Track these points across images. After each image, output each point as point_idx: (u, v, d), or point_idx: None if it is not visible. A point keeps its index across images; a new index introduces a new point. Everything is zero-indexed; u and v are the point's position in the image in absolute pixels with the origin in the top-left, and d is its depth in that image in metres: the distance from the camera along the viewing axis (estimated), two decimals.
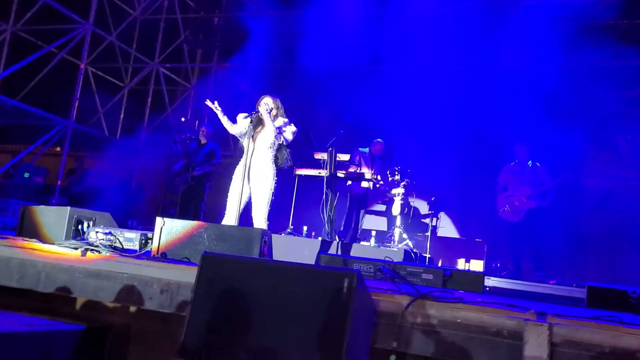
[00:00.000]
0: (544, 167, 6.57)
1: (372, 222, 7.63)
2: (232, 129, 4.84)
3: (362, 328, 2.61)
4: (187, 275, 3.08)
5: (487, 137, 7.90)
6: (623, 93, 7.83)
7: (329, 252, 4.55)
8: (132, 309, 3.37)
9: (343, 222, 7.13)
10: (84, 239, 3.93)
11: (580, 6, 7.69)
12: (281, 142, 4.82)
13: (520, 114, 7.67)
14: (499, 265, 6.74)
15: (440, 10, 8.54)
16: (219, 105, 4.72)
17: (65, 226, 3.99)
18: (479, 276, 3.10)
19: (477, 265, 7.13)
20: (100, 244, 3.73)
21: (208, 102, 4.80)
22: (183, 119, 10.50)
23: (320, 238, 5.85)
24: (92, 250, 3.49)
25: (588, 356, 2.45)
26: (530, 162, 6.58)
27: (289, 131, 4.81)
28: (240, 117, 4.75)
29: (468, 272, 3.17)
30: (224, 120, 4.82)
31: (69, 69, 10.07)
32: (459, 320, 2.65)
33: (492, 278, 5.17)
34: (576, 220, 7.22)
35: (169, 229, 3.69)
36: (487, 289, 4.91)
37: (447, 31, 8.33)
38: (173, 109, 11.37)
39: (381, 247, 5.81)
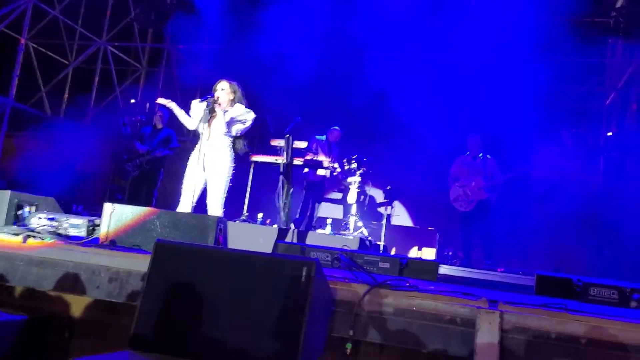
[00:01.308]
0: (494, 160, 6.74)
1: (327, 210, 7.65)
2: (189, 123, 4.69)
3: (320, 317, 2.59)
4: (138, 263, 2.98)
5: (442, 127, 8.02)
6: (572, 88, 8.11)
7: (285, 240, 4.51)
8: (78, 298, 3.23)
9: (299, 210, 7.11)
10: (25, 225, 3.74)
11: (532, 2, 7.89)
12: (240, 130, 4.71)
13: (474, 106, 7.83)
14: (450, 253, 6.90)
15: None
16: (172, 99, 4.58)
17: (5, 211, 3.78)
18: (434, 265, 3.14)
19: (429, 254, 7.28)
20: (43, 230, 3.56)
21: (161, 100, 4.66)
22: (133, 101, 10.13)
23: (275, 226, 5.81)
24: (34, 236, 3.32)
25: (536, 342, 2.53)
26: (481, 154, 6.73)
27: (249, 119, 4.70)
28: (195, 103, 4.61)
29: (424, 261, 3.22)
30: (181, 115, 4.69)
31: (9, 44, 9.51)
32: (414, 309, 2.68)
33: (443, 266, 5.26)
34: (523, 211, 7.46)
35: (118, 215, 3.55)
36: (440, 275, 5.03)
37: (400, 18, 8.37)
38: (122, 90, 10.94)
39: (337, 236, 5.82)
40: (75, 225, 3.82)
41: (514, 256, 7.30)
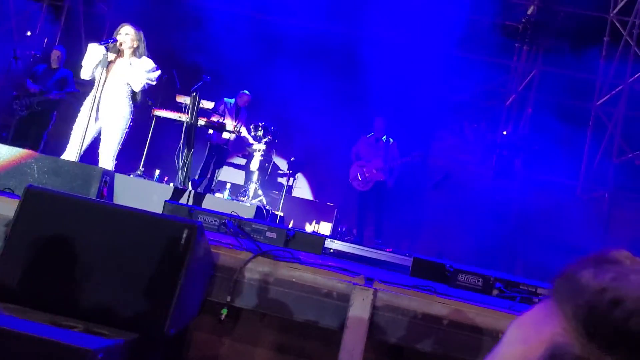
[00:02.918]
0: (396, 143, 6.95)
1: (228, 175, 7.54)
2: (84, 70, 4.34)
3: (197, 280, 2.56)
4: (7, 207, 2.76)
5: (351, 106, 8.15)
6: (478, 85, 8.51)
7: (177, 201, 4.39)
8: None
9: (199, 171, 6.94)
10: None
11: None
12: (144, 85, 4.46)
13: (384, 89, 8.00)
14: (344, 230, 7.08)
15: None
16: (75, 38, 4.24)
17: None
18: (319, 239, 3.20)
19: (325, 228, 7.43)
20: None
21: None
22: (29, 34, 9.27)
23: (172, 185, 5.62)
24: None
25: (403, 320, 2.67)
26: (385, 136, 6.91)
27: (155, 76, 4.47)
28: (94, 46, 4.28)
29: (310, 234, 3.26)
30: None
31: None
32: (294, 280, 2.72)
33: (336, 241, 5.40)
34: (417, 196, 7.80)
35: None
36: (332, 251, 5.15)
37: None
38: (18, 19, 9.95)
39: (234, 201, 5.76)
40: None
41: (404, 238, 7.65)
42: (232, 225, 2.90)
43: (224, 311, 2.65)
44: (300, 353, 3.06)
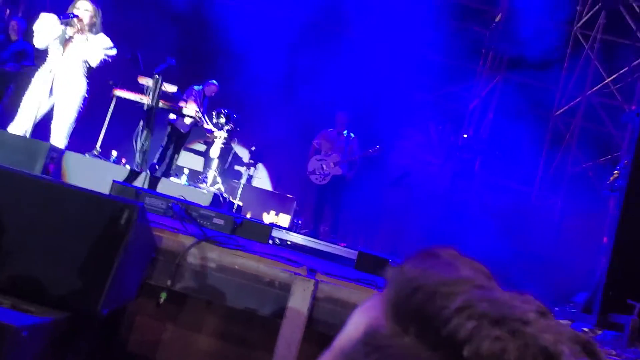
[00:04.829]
0: (356, 139, 6.99)
1: (187, 160, 7.45)
2: (39, 39, 4.20)
3: (136, 261, 2.53)
4: None
5: (314, 99, 8.15)
6: (444, 87, 8.65)
7: (128, 182, 4.31)
8: None
9: (158, 155, 6.83)
10: None
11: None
12: (101, 62, 4.37)
13: (349, 83, 8.04)
14: (300, 222, 7.09)
15: None
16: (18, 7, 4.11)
17: None
18: (267, 228, 3.20)
19: (284, 220, 7.43)
20: None
21: None
22: None
23: (128, 167, 5.53)
24: None
25: (343, 312, 2.71)
26: (346, 131, 6.94)
27: (111, 53, 4.39)
28: (48, 16, 4.16)
29: (257, 223, 3.26)
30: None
31: None
32: (236, 267, 2.72)
33: (292, 233, 5.41)
34: (375, 192, 7.86)
35: None
36: (288, 243, 5.15)
37: None
38: None
39: (191, 187, 5.70)
40: None
41: (360, 234, 7.72)
42: (179, 210, 2.88)
43: (163, 295, 2.63)
44: (242, 341, 3.07)
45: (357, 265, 3.17)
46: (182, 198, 3.21)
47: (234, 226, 3.03)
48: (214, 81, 7.29)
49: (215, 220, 3.04)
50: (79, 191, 2.36)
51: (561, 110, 8.53)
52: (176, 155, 6.93)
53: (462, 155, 7.99)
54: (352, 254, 5.08)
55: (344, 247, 5.43)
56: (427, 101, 8.54)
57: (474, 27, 8.83)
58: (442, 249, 0.46)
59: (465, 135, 8.13)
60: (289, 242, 5.17)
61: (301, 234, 6.05)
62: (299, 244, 4.99)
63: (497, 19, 8.77)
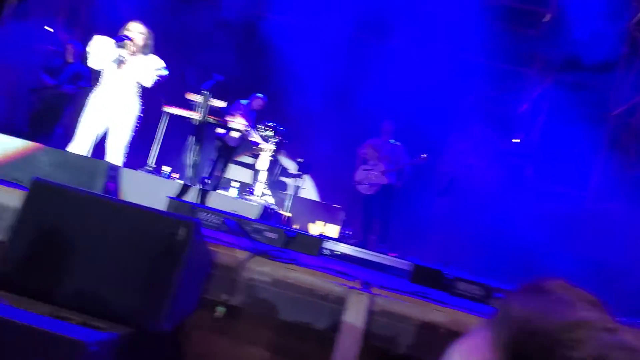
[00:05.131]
0: (403, 147, 6.92)
1: (237, 173, 7.56)
2: (94, 60, 4.38)
3: (194, 277, 2.58)
4: (14, 198, 2.81)
5: (360, 108, 8.14)
6: (491, 91, 8.45)
7: (181, 198, 4.42)
8: None
9: (208, 169, 6.98)
10: None
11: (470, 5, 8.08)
12: (154, 82, 4.53)
13: (394, 91, 7.98)
14: (350, 233, 7.07)
15: None
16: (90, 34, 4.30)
17: None
18: (318, 241, 3.20)
19: (332, 230, 7.43)
20: None
21: None
22: (48, 29, 9.40)
23: (180, 181, 5.66)
24: None
25: (399, 326, 2.67)
26: (392, 140, 6.88)
27: (163, 74, 4.54)
28: (102, 39, 4.33)
29: (310, 236, 3.27)
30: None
31: None
32: (290, 281, 2.73)
33: (340, 244, 5.38)
34: (424, 200, 7.75)
35: (2, 145, 3.32)
36: (337, 253, 5.14)
37: None
38: (38, 15, 10.11)
39: (241, 200, 5.78)
40: None
41: (410, 243, 7.60)
42: (232, 224, 2.92)
43: (220, 309, 2.67)
44: (297, 355, 3.06)
45: (412, 278, 3.12)
46: (235, 213, 3.26)
47: (286, 239, 3.05)
48: (260, 95, 7.40)
49: (268, 234, 3.07)
50: (139, 209, 2.44)
51: (618, 110, 8.18)
52: (225, 169, 7.07)
53: (513, 160, 7.78)
54: (403, 264, 5.01)
55: (395, 257, 5.36)
56: (474, 106, 8.36)
57: (521, 28, 8.62)
58: (550, 281, 0.43)
59: (515, 140, 7.93)
60: (338, 253, 5.16)
61: (350, 244, 6.03)
62: (349, 255, 4.97)
63: (545, 19, 8.53)
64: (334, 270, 2.79)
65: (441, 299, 2.79)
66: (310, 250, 3.06)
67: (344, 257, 4.53)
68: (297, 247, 3.07)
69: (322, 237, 3.43)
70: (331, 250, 4.43)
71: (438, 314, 2.67)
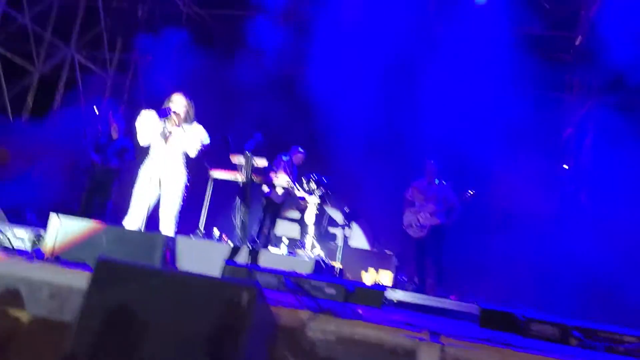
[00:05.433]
0: (449, 185, 6.82)
1: (285, 229, 7.60)
2: (143, 137, 4.57)
3: (260, 342, 2.56)
4: (81, 280, 2.89)
5: (402, 151, 8.12)
6: (531, 119, 8.31)
7: (235, 261, 4.46)
8: (16, 314, 3.11)
9: (256, 228, 7.05)
10: None
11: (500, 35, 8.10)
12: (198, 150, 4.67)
13: (435, 130, 7.95)
14: (405, 279, 6.92)
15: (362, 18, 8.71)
16: (137, 110, 4.52)
17: None
18: (379, 292, 3.14)
19: (385, 277, 7.30)
20: None
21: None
22: (96, 110, 9.95)
23: (230, 243, 5.73)
24: None
25: None
26: (437, 180, 6.80)
27: (207, 142, 4.70)
28: (148, 114, 4.52)
29: (370, 288, 3.21)
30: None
31: None
32: (356, 337, 2.66)
33: (397, 291, 5.28)
34: (477, 237, 7.55)
35: (65, 228, 3.45)
36: (395, 301, 5.02)
37: (369, 37, 8.53)
38: (87, 98, 10.76)
39: (291, 256, 5.78)
40: (21, 238, 3.71)
41: (468, 284, 7.36)
42: (291, 284, 2.91)
43: None
44: None
45: (481, 322, 3.00)
46: (290, 270, 3.25)
47: (346, 294, 3.00)
48: (300, 148, 7.51)
49: (327, 290, 3.03)
50: (201, 279, 2.46)
51: None
52: (274, 226, 7.13)
53: (565, 187, 7.53)
54: (469, 307, 4.85)
55: (455, 300, 5.21)
56: (518, 137, 8.21)
57: (555, 54, 8.55)
58: None
59: (565, 166, 7.70)
60: (395, 301, 5.04)
61: (408, 290, 5.90)
62: (411, 303, 4.85)
63: (577, 42, 8.45)
64: (400, 322, 2.71)
65: (515, 342, 2.65)
66: (372, 303, 3.00)
67: (406, 305, 4.43)
68: (359, 300, 3.02)
69: (382, 288, 3.36)
70: (392, 300, 4.34)
71: None
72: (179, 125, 4.54)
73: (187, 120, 4.61)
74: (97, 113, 9.60)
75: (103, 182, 7.10)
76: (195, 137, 4.55)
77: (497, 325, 2.92)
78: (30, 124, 10.40)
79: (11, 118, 10.17)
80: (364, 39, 8.54)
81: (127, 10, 10.60)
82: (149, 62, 10.27)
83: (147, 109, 4.59)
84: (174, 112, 4.48)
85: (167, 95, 4.68)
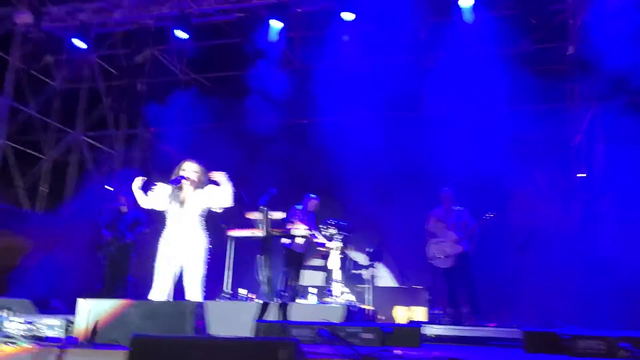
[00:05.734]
0: (467, 210, 6.77)
1: (310, 278, 7.55)
2: (157, 204, 4.62)
3: None
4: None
5: (416, 184, 8.11)
6: (538, 132, 8.31)
7: (266, 319, 4.41)
8: None
9: (281, 281, 6.99)
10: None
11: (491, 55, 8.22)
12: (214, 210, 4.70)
13: (446, 157, 7.96)
14: (441, 312, 6.78)
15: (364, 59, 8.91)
16: (149, 181, 4.57)
17: None
18: (415, 330, 3.08)
19: (420, 313, 7.16)
20: (19, 334, 3.44)
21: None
22: (108, 188, 10.13)
23: (258, 300, 5.68)
24: (8, 342, 3.20)
25: None
26: (455, 207, 6.76)
27: (226, 203, 4.74)
28: (162, 186, 4.57)
29: (405, 327, 3.16)
30: (138, 196, 4.62)
31: None
32: None
33: (434, 326, 5.16)
34: (504, 259, 7.43)
35: (94, 311, 3.45)
36: (434, 337, 4.90)
37: (368, 76, 8.68)
38: (98, 177, 10.98)
39: (321, 305, 5.71)
40: (52, 326, 3.70)
41: (504, 308, 7.19)
42: (326, 334, 2.86)
43: None
44: None
45: (526, 346, 2.92)
46: (323, 321, 3.21)
47: (383, 336, 2.95)
48: (313, 195, 7.51)
49: (364, 335, 2.99)
50: (237, 342, 2.44)
51: None
52: (299, 277, 7.07)
53: (583, 196, 7.44)
54: (506, 332, 4.72)
55: (495, 326, 5.08)
56: (528, 152, 8.19)
57: (550, 65, 8.63)
58: None
59: (581, 175, 7.62)
60: (432, 336, 4.93)
61: (444, 324, 5.77)
62: (447, 336, 4.74)
63: (569, 51, 8.53)
64: (443, 358, 2.65)
65: None
66: (410, 342, 2.94)
67: (446, 338, 4.33)
68: (397, 341, 2.96)
69: (418, 325, 3.30)
70: (431, 336, 4.24)
71: None
72: (192, 191, 4.58)
73: (200, 185, 4.64)
74: (112, 189, 9.75)
75: (120, 258, 7.13)
76: (209, 199, 4.58)
77: (541, 346, 2.84)
78: (46, 212, 10.58)
79: (27, 208, 10.36)
80: (364, 77, 8.71)
81: (126, 86, 10.93)
82: (156, 133, 10.52)
83: (159, 181, 4.65)
84: (186, 179, 4.53)
85: (177, 162, 4.73)
